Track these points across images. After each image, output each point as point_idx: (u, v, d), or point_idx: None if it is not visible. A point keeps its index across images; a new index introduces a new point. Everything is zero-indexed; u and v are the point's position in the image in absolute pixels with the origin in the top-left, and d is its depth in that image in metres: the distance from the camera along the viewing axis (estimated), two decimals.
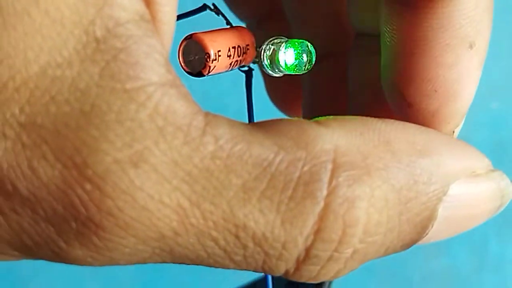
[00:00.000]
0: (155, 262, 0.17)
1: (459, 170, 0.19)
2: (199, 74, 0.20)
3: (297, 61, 0.22)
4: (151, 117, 0.15)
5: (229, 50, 0.21)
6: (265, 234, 0.16)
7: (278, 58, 0.22)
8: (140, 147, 0.15)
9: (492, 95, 0.56)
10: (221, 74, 0.21)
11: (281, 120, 0.17)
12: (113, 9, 0.15)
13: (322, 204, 0.16)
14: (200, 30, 0.21)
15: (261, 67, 0.23)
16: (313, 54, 0.22)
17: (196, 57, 0.20)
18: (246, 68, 0.23)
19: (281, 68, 0.22)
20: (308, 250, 0.17)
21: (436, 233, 0.19)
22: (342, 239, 0.17)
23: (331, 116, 0.18)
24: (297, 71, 0.22)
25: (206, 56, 0.20)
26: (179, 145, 0.16)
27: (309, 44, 0.22)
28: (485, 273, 0.55)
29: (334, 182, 0.16)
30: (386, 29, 0.21)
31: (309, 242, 0.17)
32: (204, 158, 0.16)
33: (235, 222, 0.16)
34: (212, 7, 0.22)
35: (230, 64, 0.21)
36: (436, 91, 0.21)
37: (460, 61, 0.20)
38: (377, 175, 0.17)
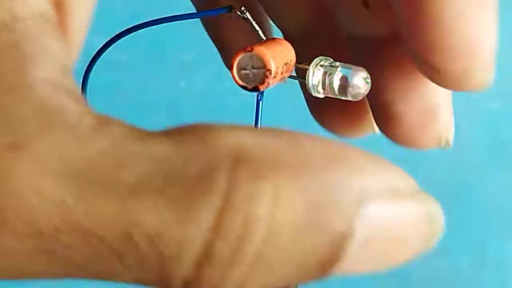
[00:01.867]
0: (39, 275, 0.15)
1: (380, 187, 0.17)
2: (255, 89, 0.20)
3: (357, 87, 0.22)
4: (36, 112, 0.15)
5: (282, 67, 0.20)
6: (159, 232, 0.15)
7: (333, 82, 0.22)
8: (22, 137, 0.14)
9: (492, 95, 0.56)
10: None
11: (192, 123, 0.16)
12: (14, 3, 0.15)
13: (221, 199, 0.15)
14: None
15: (304, 85, 0.22)
16: (369, 81, 0.22)
17: (253, 71, 0.20)
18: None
19: (335, 92, 0.22)
20: (207, 250, 0.15)
21: (358, 256, 0.17)
22: (243, 235, 0.15)
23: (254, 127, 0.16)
24: (354, 98, 0.22)
25: (267, 73, 0.19)
26: (66, 140, 0.15)
27: (366, 72, 0.22)
28: (485, 273, 0.55)
29: (235, 177, 0.15)
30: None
31: (208, 241, 0.15)
32: (94, 154, 0.15)
33: (125, 219, 0.15)
34: (239, 11, 0.22)
35: (279, 80, 0.21)
36: (459, 52, 0.20)
37: (475, 18, 0.19)
38: (284, 176, 0.15)
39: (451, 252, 0.55)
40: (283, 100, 0.56)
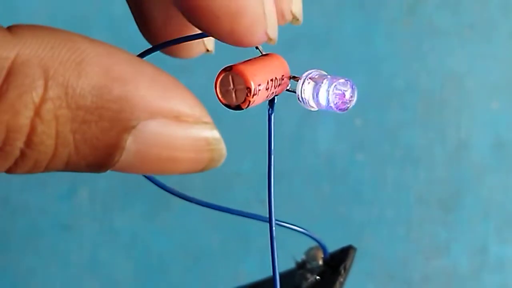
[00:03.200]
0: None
1: (159, 110, 0.19)
2: (238, 108, 0.20)
3: (340, 99, 0.22)
4: None
5: (267, 83, 0.21)
6: None
7: (319, 95, 0.22)
8: None
9: (492, 95, 0.56)
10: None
11: None
12: None
13: None
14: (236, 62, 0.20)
15: (298, 99, 0.22)
16: (355, 92, 0.22)
17: (235, 89, 0.20)
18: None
19: (323, 105, 0.22)
20: None
21: (127, 164, 0.19)
22: (6, 141, 0.17)
23: (33, 24, 0.18)
24: (341, 110, 0.22)
25: (247, 91, 0.20)
26: None
27: (353, 83, 0.22)
28: (485, 273, 0.55)
29: (4, 89, 0.17)
30: None
31: None
32: None
33: None
34: None
35: (267, 96, 0.21)
36: (218, 16, 0.19)
37: None
38: (52, 90, 0.17)
39: (451, 252, 0.55)
40: (283, 98, 0.56)
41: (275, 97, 0.22)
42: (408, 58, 0.56)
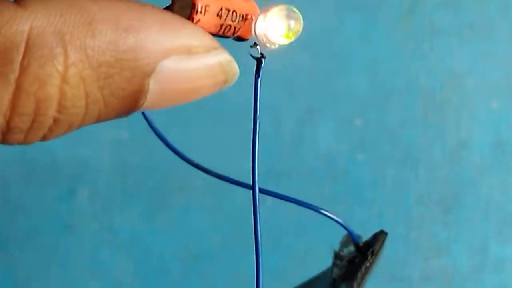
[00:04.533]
0: None
1: (171, 48, 0.20)
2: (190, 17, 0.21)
3: (286, 28, 0.22)
4: None
5: (220, 10, 0.21)
6: None
7: (265, 29, 0.22)
8: None
9: (492, 95, 0.56)
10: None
11: None
12: None
13: (14, 84, 0.18)
14: None
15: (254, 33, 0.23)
16: (301, 19, 0.22)
17: (186, 5, 0.21)
18: (258, 55, 0.23)
19: (272, 39, 0.22)
20: (8, 124, 0.18)
21: (153, 103, 0.20)
22: (37, 112, 0.18)
23: None
24: (289, 38, 0.22)
25: (192, 7, 0.20)
26: None
27: (295, 9, 0.22)
28: (485, 273, 0.55)
29: (26, 63, 0.17)
30: None
31: (7, 118, 0.18)
32: None
33: None
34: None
35: (221, 26, 0.21)
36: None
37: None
38: (72, 54, 0.18)
39: (451, 252, 0.55)
40: (283, 98, 0.56)
41: (262, 61, 0.23)
42: (408, 58, 0.56)
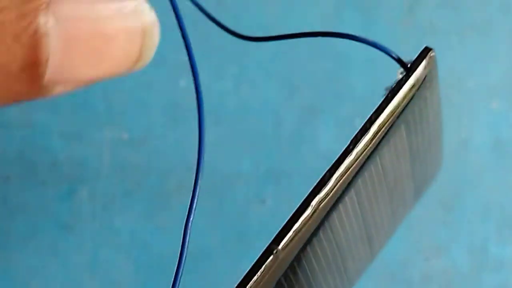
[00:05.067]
0: None
1: None
2: None
3: None
4: None
5: None
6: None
7: None
8: None
9: (492, 95, 0.56)
10: None
11: None
12: None
13: None
14: None
15: None
16: None
17: None
18: None
19: None
20: None
21: (64, 58, 0.17)
22: None
23: None
24: None
25: None
26: None
27: None
28: (485, 273, 0.55)
29: None
30: None
31: None
32: None
33: None
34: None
35: None
36: None
37: None
38: None
39: (451, 252, 0.55)
40: (283, 98, 0.56)
41: None
42: (408, 58, 0.56)
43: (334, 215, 0.23)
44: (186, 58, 0.58)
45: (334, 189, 0.22)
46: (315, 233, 0.23)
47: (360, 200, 0.24)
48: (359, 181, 0.23)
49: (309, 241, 0.23)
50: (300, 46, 0.55)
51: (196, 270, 0.54)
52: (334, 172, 0.22)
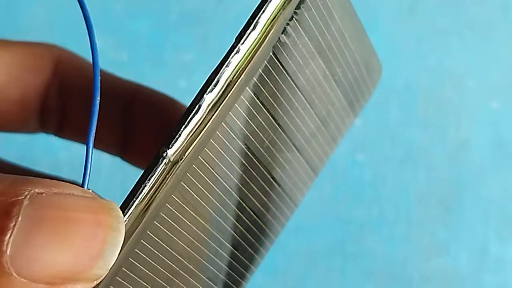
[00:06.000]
0: None
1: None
2: None
3: None
4: None
5: None
6: None
7: None
8: None
9: (492, 95, 0.56)
10: None
11: None
12: None
13: None
14: None
15: None
16: None
17: None
18: None
19: None
20: None
21: (25, 238, 0.18)
22: None
23: None
24: None
25: None
26: None
27: None
28: (485, 273, 0.55)
29: None
30: None
31: None
32: None
33: None
34: None
35: None
36: None
37: None
38: None
39: (451, 252, 0.55)
40: None
41: None
42: (408, 58, 0.56)
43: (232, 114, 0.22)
44: (186, 58, 0.58)
45: (224, 89, 0.20)
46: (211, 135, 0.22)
47: (262, 100, 0.22)
48: (256, 80, 0.21)
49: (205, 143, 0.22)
50: None
51: None
52: (219, 71, 0.20)
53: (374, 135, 0.56)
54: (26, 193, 0.18)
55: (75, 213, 0.18)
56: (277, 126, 0.24)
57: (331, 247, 0.55)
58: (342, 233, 0.55)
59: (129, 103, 0.28)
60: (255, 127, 0.23)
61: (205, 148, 0.21)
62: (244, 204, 0.24)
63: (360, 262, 0.54)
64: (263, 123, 0.23)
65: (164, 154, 0.21)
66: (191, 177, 0.21)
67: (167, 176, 0.21)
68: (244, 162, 0.23)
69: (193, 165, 0.21)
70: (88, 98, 0.21)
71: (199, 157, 0.21)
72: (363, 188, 0.55)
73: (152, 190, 0.21)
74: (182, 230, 0.22)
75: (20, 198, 0.18)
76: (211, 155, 0.21)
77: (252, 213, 0.26)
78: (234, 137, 0.22)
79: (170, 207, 0.21)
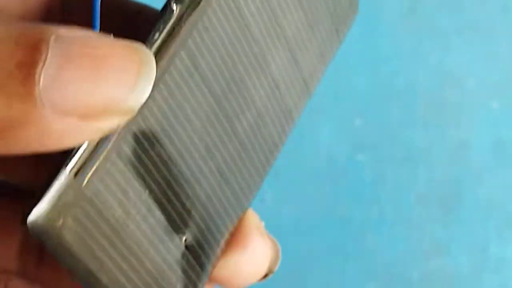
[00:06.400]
0: None
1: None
2: None
3: None
4: None
5: None
6: None
7: None
8: None
9: (492, 95, 0.56)
10: None
11: None
12: None
13: None
14: None
15: None
16: None
17: None
18: None
19: None
20: None
21: (60, 63, 0.18)
22: None
23: None
24: None
25: None
26: None
27: None
28: (485, 273, 0.55)
29: None
30: None
31: None
32: None
33: None
34: None
35: None
36: None
37: None
38: None
39: (451, 252, 0.55)
40: None
41: None
42: (408, 58, 0.56)
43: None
44: None
45: None
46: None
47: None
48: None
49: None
50: None
51: None
52: None
53: (374, 135, 0.56)
54: (52, 33, 0.17)
55: (105, 49, 0.18)
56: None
57: (331, 247, 0.55)
58: (342, 233, 0.55)
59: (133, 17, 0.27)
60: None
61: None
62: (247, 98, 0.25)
63: (360, 262, 0.54)
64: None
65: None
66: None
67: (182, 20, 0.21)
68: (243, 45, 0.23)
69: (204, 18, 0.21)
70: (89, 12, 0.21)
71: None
72: (363, 188, 0.55)
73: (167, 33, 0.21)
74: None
75: (46, 36, 0.17)
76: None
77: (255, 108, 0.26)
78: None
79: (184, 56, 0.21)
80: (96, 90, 0.18)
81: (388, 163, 0.55)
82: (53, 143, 0.18)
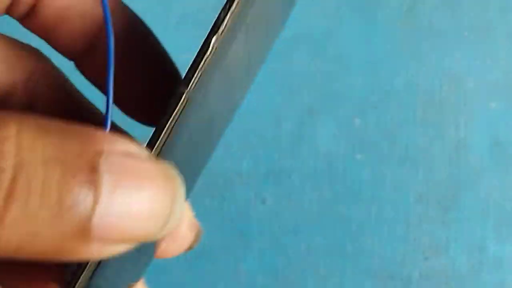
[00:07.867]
0: None
1: (116, 149, 0.18)
2: None
3: None
4: None
5: None
6: None
7: None
8: None
9: (491, 95, 0.56)
10: None
11: None
12: None
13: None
14: None
15: None
16: None
17: None
18: None
19: None
20: None
21: (108, 199, 0.18)
22: None
23: None
24: None
25: None
26: None
27: None
28: (483, 272, 0.55)
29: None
30: None
31: None
32: None
33: None
34: None
35: None
36: None
37: None
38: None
39: (450, 251, 0.55)
40: (282, 98, 0.57)
41: None
42: (408, 58, 0.56)
43: (230, 50, 0.24)
44: (186, 58, 0.58)
45: (228, 26, 0.22)
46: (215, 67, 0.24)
47: (249, 34, 0.25)
48: (248, 17, 0.24)
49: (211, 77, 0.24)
50: (300, 46, 0.55)
51: (196, 268, 0.54)
52: (229, 11, 0.22)
53: (373, 135, 0.56)
54: (101, 155, 0.18)
55: (144, 177, 0.18)
56: (251, 54, 0.26)
57: (330, 246, 0.55)
58: (341, 232, 0.55)
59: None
60: (240, 57, 0.25)
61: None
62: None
63: (359, 262, 0.55)
64: (244, 54, 0.25)
65: (185, 93, 0.22)
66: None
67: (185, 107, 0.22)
68: None
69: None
70: None
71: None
72: (362, 188, 0.55)
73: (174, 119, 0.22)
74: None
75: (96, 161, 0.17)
76: None
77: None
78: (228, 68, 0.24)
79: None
80: (136, 224, 0.18)
81: (387, 163, 0.55)
82: (68, 259, 0.18)
